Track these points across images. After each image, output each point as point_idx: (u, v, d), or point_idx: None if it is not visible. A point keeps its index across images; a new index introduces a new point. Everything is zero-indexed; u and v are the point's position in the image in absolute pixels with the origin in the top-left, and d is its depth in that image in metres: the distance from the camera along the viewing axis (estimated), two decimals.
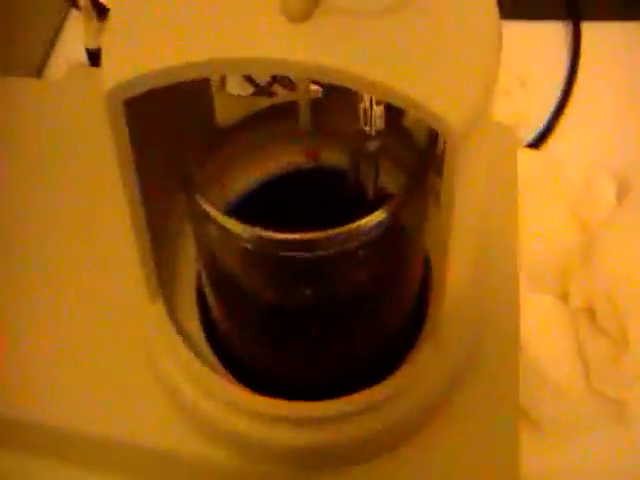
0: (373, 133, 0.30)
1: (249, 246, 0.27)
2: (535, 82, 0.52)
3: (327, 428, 0.30)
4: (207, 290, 0.33)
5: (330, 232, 0.26)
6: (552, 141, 0.51)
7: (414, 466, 0.31)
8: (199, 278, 0.34)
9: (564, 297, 0.43)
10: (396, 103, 0.24)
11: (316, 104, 0.33)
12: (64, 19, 0.53)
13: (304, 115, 0.33)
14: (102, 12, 0.45)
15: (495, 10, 0.25)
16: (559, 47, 0.55)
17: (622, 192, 0.47)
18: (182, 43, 0.25)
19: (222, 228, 0.27)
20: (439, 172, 0.26)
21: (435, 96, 0.23)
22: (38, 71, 0.50)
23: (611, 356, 0.41)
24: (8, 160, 0.40)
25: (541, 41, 0.55)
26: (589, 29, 0.55)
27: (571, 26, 0.55)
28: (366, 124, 0.29)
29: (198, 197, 0.27)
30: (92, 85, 0.31)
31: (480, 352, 0.32)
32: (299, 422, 0.30)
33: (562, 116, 0.51)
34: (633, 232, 0.44)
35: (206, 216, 0.27)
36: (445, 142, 0.24)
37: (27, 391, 0.34)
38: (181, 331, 0.32)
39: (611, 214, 0.45)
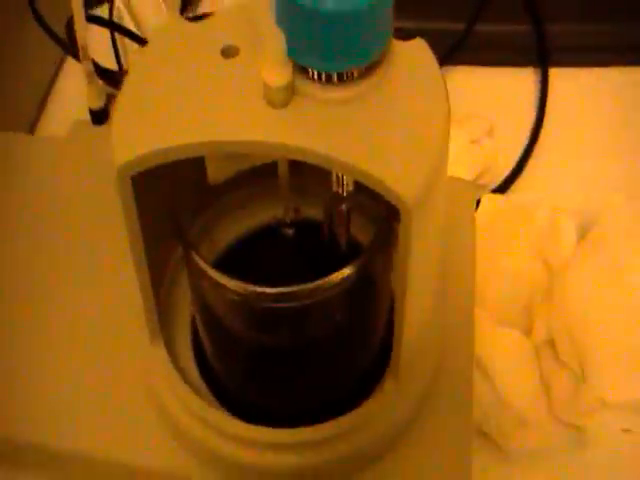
0: (344, 194, 0.34)
1: (236, 297, 0.31)
2: (503, 129, 0.55)
3: (303, 452, 0.33)
4: (200, 329, 0.37)
5: (304, 286, 0.30)
6: (519, 186, 0.53)
7: None
8: (194, 319, 0.38)
9: (529, 332, 0.46)
10: (360, 180, 0.28)
11: (295, 165, 0.36)
12: (54, 77, 0.56)
13: (283, 176, 0.37)
14: (104, 74, 0.49)
15: (444, 94, 0.30)
16: (527, 93, 0.57)
17: (584, 233, 0.49)
18: (183, 125, 0.29)
19: (213, 281, 0.31)
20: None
21: (391, 174, 0.27)
22: (30, 128, 0.52)
23: (571, 386, 0.44)
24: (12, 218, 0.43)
25: (509, 87, 0.58)
26: (557, 75, 0.57)
27: (539, 72, 0.58)
28: (338, 186, 0.34)
29: (194, 254, 0.31)
30: (98, 143, 0.35)
31: (437, 383, 0.35)
32: (277, 446, 0.33)
33: (529, 161, 0.54)
34: (590, 272, 0.47)
35: (200, 271, 0.31)
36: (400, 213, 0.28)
37: (32, 414, 0.37)
38: (177, 365, 0.35)
39: (572, 255, 0.48)
